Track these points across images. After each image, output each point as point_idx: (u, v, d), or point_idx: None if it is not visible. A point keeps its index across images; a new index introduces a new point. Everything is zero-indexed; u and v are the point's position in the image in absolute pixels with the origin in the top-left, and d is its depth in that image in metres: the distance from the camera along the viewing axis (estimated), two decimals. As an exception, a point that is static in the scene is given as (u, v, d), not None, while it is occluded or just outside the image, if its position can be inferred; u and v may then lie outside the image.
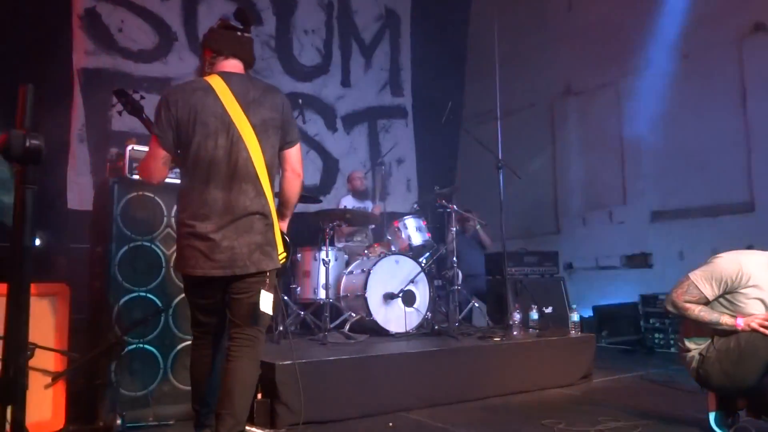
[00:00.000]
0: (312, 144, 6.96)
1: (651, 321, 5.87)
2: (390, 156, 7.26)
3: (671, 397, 3.89)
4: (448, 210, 5.14)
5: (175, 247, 3.10)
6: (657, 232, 6.72)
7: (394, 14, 7.82)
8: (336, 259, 4.90)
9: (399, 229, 5.10)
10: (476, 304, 5.42)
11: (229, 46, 2.46)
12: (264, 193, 2.38)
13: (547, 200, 7.90)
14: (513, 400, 3.82)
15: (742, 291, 2.73)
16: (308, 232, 5.06)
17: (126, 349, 3.11)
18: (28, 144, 1.09)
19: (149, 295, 3.21)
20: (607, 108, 7.28)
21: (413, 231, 5.07)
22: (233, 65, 2.47)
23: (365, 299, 4.48)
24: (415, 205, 5.71)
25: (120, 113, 2.84)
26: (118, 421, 2.99)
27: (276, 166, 2.50)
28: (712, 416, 2.91)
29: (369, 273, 4.53)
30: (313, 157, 6.95)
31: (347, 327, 4.54)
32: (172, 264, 3.23)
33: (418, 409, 3.51)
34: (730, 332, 2.73)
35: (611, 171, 7.23)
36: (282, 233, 2.52)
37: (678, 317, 2.97)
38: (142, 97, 2.72)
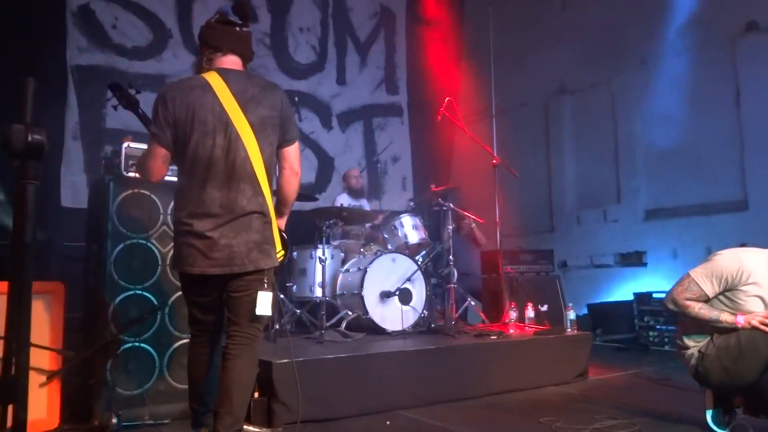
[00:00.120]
0: (307, 142, 6.94)
1: (645, 319, 5.89)
2: (385, 154, 7.25)
3: (667, 394, 3.91)
4: (444, 208, 5.13)
5: (171, 245, 3.09)
6: (651, 230, 6.75)
7: (389, 12, 7.81)
8: (332, 257, 4.89)
9: (395, 227, 5.10)
10: (472, 303, 5.43)
11: (228, 41, 2.43)
12: (262, 192, 2.37)
13: (542, 199, 7.92)
14: (510, 398, 3.83)
15: (742, 288, 2.74)
16: (304, 230, 5.05)
17: (122, 348, 3.09)
18: (29, 139, 1.07)
19: (145, 294, 3.20)
20: (601, 107, 7.30)
21: (410, 229, 5.06)
22: (232, 61, 2.44)
23: (362, 297, 4.47)
24: (411, 203, 5.70)
25: (115, 108, 2.81)
26: (114, 420, 2.97)
27: (274, 165, 2.48)
28: (709, 414, 2.92)
29: (365, 271, 4.53)
30: (308, 155, 6.93)
31: (344, 325, 4.54)
32: (168, 262, 3.21)
33: (415, 407, 3.51)
34: (730, 330, 2.74)
35: (605, 170, 7.26)
36: (280, 231, 2.51)
37: (677, 315, 2.97)
38: (138, 92, 2.69)
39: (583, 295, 6.60)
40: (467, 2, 8.69)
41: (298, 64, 6.99)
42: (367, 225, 5.68)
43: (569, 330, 4.61)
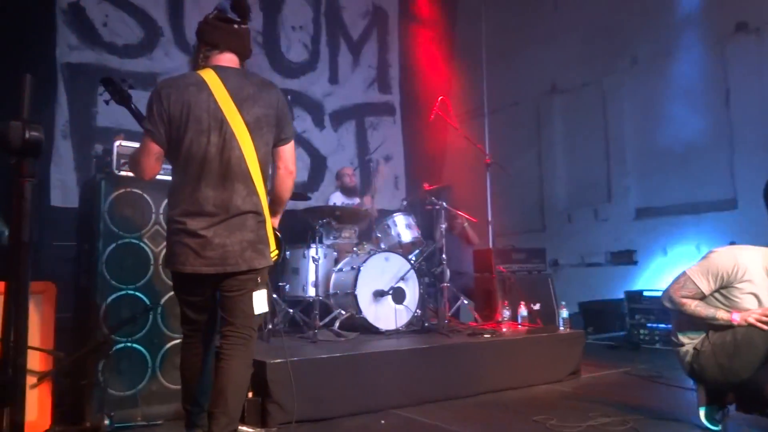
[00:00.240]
0: (300, 141, 6.92)
1: (636, 317, 5.93)
2: (378, 153, 7.25)
3: (659, 392, 3.93)
4: (437, 207, 5.13)
5: (163, 245, 3.07)
6: (641, 229, 6.79)
7: (381, 11, 7.80)
8: (325, 257, 4.87)
9: (389, 226, 5.09)
10: (464, 301, 5.43)
11: (225, 39, 2.41)
12: (256, 192, 2.35)
13: (533, 198, 7.94)
14: (503, 396, 3.84)
15: (737, 286, 2.77)
16: (296, 230, 5.03)
17: (113, 348, 3.06)
18: (27, 136, 1.05)
19: (137, 293, 3.18)
20: (593, 106, 7.33)
21: (403, 228, 5.06)
22: (229, 59, 2.42)
23: (355, 296, 4.46)
24: (404, 202, 5.69)
25: (107, 102, 2.77)
26: (106, 422, 2.95)
27: (269, 164, 2.46)
28: (702, 411, 2.94)
29: (359, 270, 4.52)
30: (300, 154, 6.90)
31: (337, 325, 4.52)
32: (160, 261, 3.19)
33: (409, 406, 3.51)
34: (726, 327, 2.76)
35: (596, 169, 7.30)
36: (274, 230, 2.50)
37: (673, 313, 2.99)
38: (131, 87, 2.66)
39: (574, 293, 6.62)
40: (460, 1, 8.70)
41: (290, 63, 6.97)
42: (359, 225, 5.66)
43: (562, 328, 4.63)
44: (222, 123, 2.30)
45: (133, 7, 5.89)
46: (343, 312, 4.63)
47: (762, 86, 5.80)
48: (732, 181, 6.02)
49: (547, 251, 6.08)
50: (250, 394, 3.15)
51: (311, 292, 4.65)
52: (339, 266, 4.91)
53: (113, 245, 3.12)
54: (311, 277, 4.67)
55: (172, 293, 3.04)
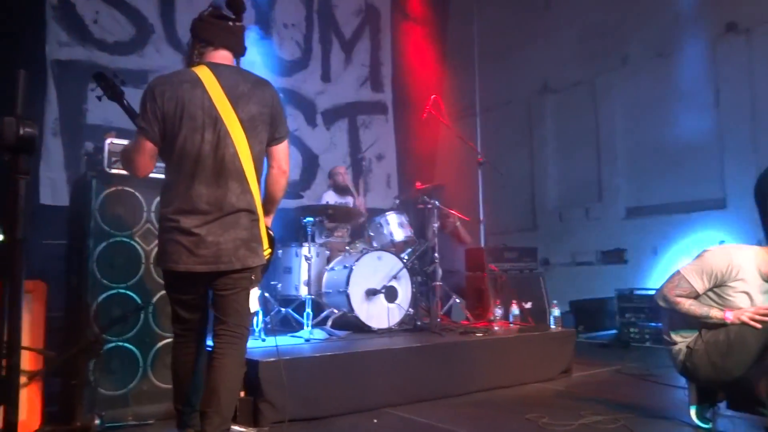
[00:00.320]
0: (292, 139, 6.88)
1: (626, 316, 5.96)
2: (370, 152, 7.24)
3: (649, 390, 3.96)
4: (429, 206, 5.13)
5: (155, 243, 3.06)
6: (632, 228, 6.85)
7: (374, 9, 7.79)
8: (317, 255, 4.86)
9: (381, 224, 5.09)
10: (456, 300, 5.44)
11: (220, 36, 2.40)
12: (250, 190, 2.34)
13: (525, 197, 7.97)
14: (496, 395, 3.85)
15: (730, 285, 2.79)
16: (289, 228, 5.02)
17: (104, 348, 3.04)
18: (21, 132, 1.04)
19: (128, 292, 3.15)
20: (584, 106, 7.38)
21: (395, 227, 5.05)
22: (223, 56, 2.41)
23: (347, 295, 4.46)
24: (396, 201, 5.69)
25: (99, 98, 2.74)
26: (97, 421, 2.93)
27: (263, 162, 2.45)
28: (693, 410, 2.96)
29: (351, 269, 4.51)
30: (292, 153, 6.82)
31: (329, 323, 4.52)
32: (152, 260, 3.17)
33: (402, 404, 3.51)
34: (719, 325, 2.78)
35: (587, 168, 7.34)
36: (267, 229, 2.49)
37: (664, 311, 3.01)
38: (123, 82, 2.63)
39: (565, 292, 6.65)
40: (452, 0, 8.71)
41: (282, 61, 6.94)
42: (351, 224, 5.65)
43: (553, 327, 4.65)
44: (216, 120, 2.29)
45: (124, 4, 5.84)
46: (336, 311, 4.62)
47: (751, 86, 5.85)
48: (721, 180, 6.08)
49: (539, 250, 6.10)
50: (242, 394, 3.13)
51: (303, 291, 4.64)
52: (331, 265, 4.90)
53: (104, 244, 3.10)
54: (303, 276, 4.66)
55: (163, 292, 3.02)
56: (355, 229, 5.65)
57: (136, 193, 3.21)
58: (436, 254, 4.97)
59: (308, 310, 4.34)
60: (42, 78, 5.32)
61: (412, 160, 7.77)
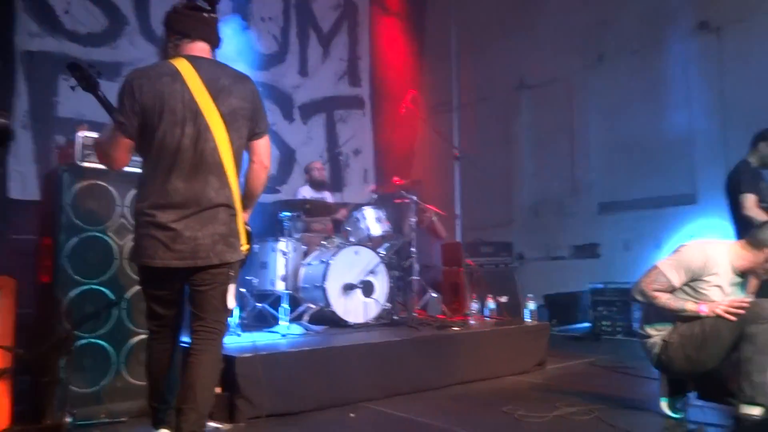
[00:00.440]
0: (269, 134, 6.83)
1: (599, 309, 6.06)
2: (347, 147, 7.22)
3: (622, 381, 4.04)
4: (407, 201, 5.14)
5: (128, 238, 3.02)
6: (605, 223, 6.94)
7: (351, 3, 7.75)
8: (294, 250, 4.84)
9: (358, 219, 5.08)
10: (433, 295, 5.47)
11: (196, 28, 2.36)
12: (229, 184, 2.32)
13: (501, 192, 8.02)
14: (472, 387, 3.88)
15: (705, 279, 2.85)
16: (265, 223, 4.98)
17: (76, 344, 2.98)
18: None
19: (101, 288, 3.10)
20: (560, 102, 7.44)
21: (372, 221, 5.05)
22: (200, 48, 2.37)
23: (324, 290, 4.45)
24: (374, 196, 5.69)
25: (73, 88, 2.68)
26: (68, 419, 2.87)
27: (243, 157, 2.43)
28: (664, 402, 3.03)
29: (328, 264, 4.50)
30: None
31: (306, 318, 4.51)
32: (125, 255, 3.13)
33: (379, 399, 3.52)
34: (693, 318, 2.83)
35: (562, 164, 7.41)
36: (245, 224, 2.47)
37: (640, 305, 3.06)
38: (99, 73, 2.57)
39: (539, 286, 6.74)
40: (430, -5, 8.72)
41: (259, 54, 6.87)
42: (330, 218, 5.64)
43: (529, 320, 4.70)
44: (197, 114, 2.25)
45: (97, -6, 5.72)
46: (312, 306, 4.61)
47: (721, 84, 5.98)
48: (692, 176, 6.20)
49: (514, 245, 6.15)
50: (218, 390, 3.11)
51: (280, 286, 4.62)
52: (308, 260, 4.89)
53: (76, 239, 3.05)
54: (280, 271, 4.64)
55: (137, 288, 3.00)
56: (332, 224, 5.64)
57: (110, 187, 3.15)
58: (413, 249, 4.99)
59: (285, 305, 4.33)
60: (11, 69, 5.18)
61: (390, 155, 7.78)
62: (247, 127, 2.38)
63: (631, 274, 5.59)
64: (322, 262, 4.61)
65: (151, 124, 2.24)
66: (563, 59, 7.26)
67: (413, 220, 5.15)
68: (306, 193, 5.80)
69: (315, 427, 3.12)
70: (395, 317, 4.76)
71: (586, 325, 6.24)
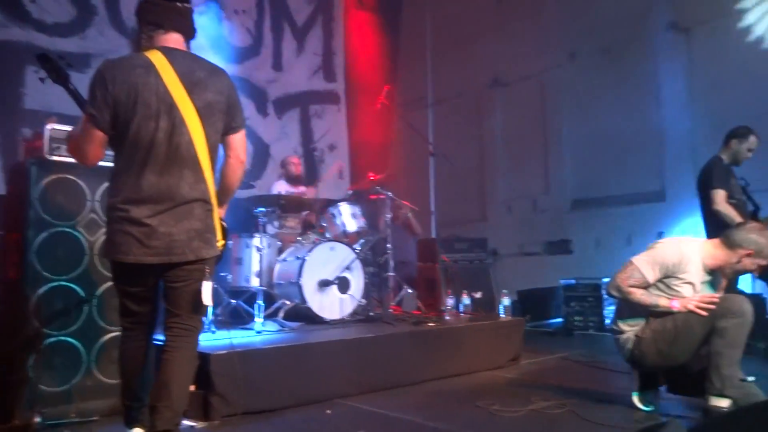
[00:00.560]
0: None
1: (571, 305, 6.15)
2: (322, 142, 7.18)
3: (595, 375, 4.10)
4: (382, 197, 5.14)
5: (99, 233, 2.96)
6: (576, 219, 7.05)
7: (327, -3, 7.71)
8: (269, 246, 4.79)
9: (333, 215, 5.06)
10: (408, 291, 5.48)
11: (170, 19, 2.30)
12: (204, 179, 2.28)
13: (475, 188, 8.09)
14: (447, 383, 3.90)
15: (678, 276, 2.91)
16: (240, 219, 4.93)
17: (45, 342, 2.92)
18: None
19: (71, 285, 3.03)
20: (532, 100, 7.52)
21: (348, 217, 5.03)
22: (174, 40, 2.32)
23: (300, 286, 4.42)
24: (349, 192, 5.68)
25: (42, 80, 2.59)
26: (37, 419, 2.82)
27: (218, 151, 2.39)
28: (636, 396, 3.09)
29: (304, 260, 4.47)
30: (242, 142, 6.74)
31: (281, 315, 4.48)
32: (96, 251, 3.06)
33: (355, 395, 3.52)
34: (666, 314, 2.89)
35: (535, 161, 7.50)
36: (220, 220, 2.43)
37: (615, 301, 3.11)
38: (69, 65, 2.50)
39: (512, 282, 6.80)
40: (406, -9, 8.71)
41: (233, 48, 6.78)
42: (305, 214, 5.60)
43: (503, 316, 4.75)
44: (171, 107, 2.20)
45: (65, -17, 5.57)
46: (288, 302, 4.58)
47: (690, 84, 6.12)
48: (662, 174, 6.33)
49: (488, 241, 6.21)
50: (192, 388, 3.07)
51: (254, 282, 4.58)
52: (283, 256, 4.85)
53: (44, 234, 2.97)
54: (255, 267, 4.59)
55: (108, 284, 2.94)
56: (307, 218, 5.60)
57: (79, 182, 3.08)
58: (389, 245, 4.99)
59: (259, 301, 4.29)
60: (-26, 59, 5.03)
61: (365, 151, 7.76)
62: (222, 122, 2.34)
63: (602, 270, 5.71)
64: (298, 258, 4.58)
65: (124, 116, 2.18)
66: (537, 57, 7.34)
67: (389, 216, 5.15)
68: (281, 187, 5.75)
69: (290, 424, 3.10)
70: (371, 313, 4.76)
71: (559, 320, 6.32)
